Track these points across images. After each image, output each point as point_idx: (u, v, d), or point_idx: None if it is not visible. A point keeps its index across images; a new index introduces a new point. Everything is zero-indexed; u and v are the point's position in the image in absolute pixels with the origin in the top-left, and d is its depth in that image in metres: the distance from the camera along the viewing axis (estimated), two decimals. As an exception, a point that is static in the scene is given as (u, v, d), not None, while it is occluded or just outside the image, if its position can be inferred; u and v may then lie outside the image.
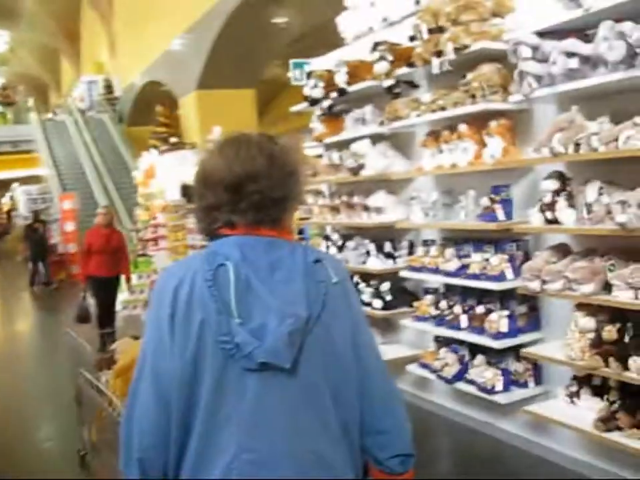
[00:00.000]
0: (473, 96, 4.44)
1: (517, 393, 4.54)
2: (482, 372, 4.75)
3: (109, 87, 26.91)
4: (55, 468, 5.13)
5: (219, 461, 1.48)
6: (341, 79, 5.64)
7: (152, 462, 1.53)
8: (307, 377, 1.54)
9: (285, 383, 1.52)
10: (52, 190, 20.84)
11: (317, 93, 5.97)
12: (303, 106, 6.46)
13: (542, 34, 3.85)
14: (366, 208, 5.82)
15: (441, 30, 4.52)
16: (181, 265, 1.64)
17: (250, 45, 19.04)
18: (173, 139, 20.22)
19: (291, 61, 6.75)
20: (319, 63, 6.58)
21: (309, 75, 6.21)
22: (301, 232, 7.89)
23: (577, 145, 3.60)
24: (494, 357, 4.75)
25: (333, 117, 6.09)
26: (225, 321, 1.48)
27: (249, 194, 1.60)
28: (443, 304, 5.11)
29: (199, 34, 19.43)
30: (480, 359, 4.84)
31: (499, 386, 4.56)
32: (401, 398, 1.74)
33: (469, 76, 4.48)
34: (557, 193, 3.88)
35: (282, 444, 1.50)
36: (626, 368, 3.44)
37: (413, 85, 5.33)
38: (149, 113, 24.91)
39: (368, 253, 5.83)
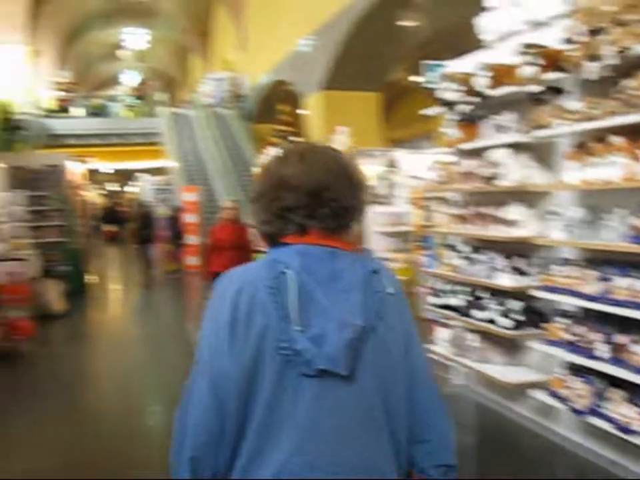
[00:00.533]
0: (632, 105, 4.01)
1: (659, 436, 4.09)
2: (619, 408, 4.31)
3: (236, 85, 27.36)
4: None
5: (271, 463, 1.51)
6: (481, 83, 5.31)
7: (204, 461, 1.55)
8: (362, 384, 1.57)
9: (340, 390, 1.55)
10: (175, 182, 21.40)
11: (453, 96, 5.67)
12: (435, 110, 6.17)
13: None
14: (497, 219, 5.47)
15: (599, 31, 4.12)
16: (241, 272, 1.66)
17: (377, 48, 18.88)
18: (294, 138, 20.31)
19: (424, 63, 6.47)
20: (454, 66, 6.26)
21: (444, 77, 5.91)
22: (424, 240, 7.56)
23: None
24: (634, 392, 4.30)
25: (469, 122, 5.76)
26: (286, 327, 1.52)
27: (325, 201, 1.64)
28: (579, 329, 4.69)
29: (327, 35, 19.41)
30: (617, 393, 4.39)
31: (638, 426, 4.12)
32: (446, 409, 1.74)
33: (629, 82, 4.06)
34: None
35: (334, 449, 1.53)
36: None
37: (558, 92, 4.93)
38: (272, 112, 25.28)
39: (497, 267, 5.46)
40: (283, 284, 1.55)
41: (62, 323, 10.95)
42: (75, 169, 14.50)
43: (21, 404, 6.77)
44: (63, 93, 28.68)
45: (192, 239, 16.05)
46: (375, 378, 1.59)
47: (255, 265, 1.66)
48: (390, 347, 1.63)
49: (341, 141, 15.21)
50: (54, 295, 11.04)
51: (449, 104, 5.79)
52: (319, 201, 1.64)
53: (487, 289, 5.58)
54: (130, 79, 31.61)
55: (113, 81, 40.06)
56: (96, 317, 11.94)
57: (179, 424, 1.59)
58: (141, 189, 26.38)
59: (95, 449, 5.44)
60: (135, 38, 34.65)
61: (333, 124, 19.85)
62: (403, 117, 26.29)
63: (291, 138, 20.18)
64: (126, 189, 37.69)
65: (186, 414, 1.57)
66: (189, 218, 16.11)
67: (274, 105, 25.41)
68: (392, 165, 11.23)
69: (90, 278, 14.62)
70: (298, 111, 22.28)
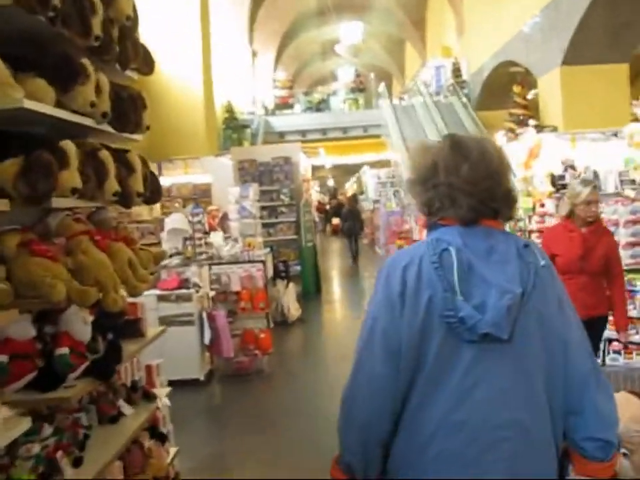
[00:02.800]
0: None
1: None
2: None
3: (457, 71, 25.37)
4: None
5: (431, 420, 1.61)
6: None
7: (374, 428, 1.67)
8: (520, 349, 1.63)
9: (499, 354, 1.62)
10: (402, 174, 19.73)
11: None
12: None
13: None
14: None
15: None
16: (407, 250, 1.79)
17: (627, 13, 16.17)
18: (532, 121, 17.80)
19: None
20: None
21: None
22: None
23: None
24: None
25: None
26: (450, 298, 1.62)
27: (484, 188, 1.73)
28: None
29: (564, 6, 17.07)
30: None
31: None
32: (607, 384, 1.72)
33: None
34: None
35: (488, 409, 1.59)
36: None
37: None
38: (499, 96, 23.03)
39: None
40: (446, 259, 1.66)
41: (299, 331, 9.52)
42: (305, 162, 13.22)
43: (258, 424, 5.65)
44: (282, 91, 28.38)
45: (427, 235, 14.25)
46: (532, 342, 1.65)
47: (419, 244, 1.76)
48: (545, 315, 1.68)
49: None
50: (290, 299, 9.65)
51: None
52: (482, 189, 1.72)
53: None
54: (346, 74, 30.46)
55: (327, 78, 39.53)
56: (333, 322, 10.41)
57: (349, 395, 1.71)
58: (364, 183, 25.14)
59: None
60: (349, 33, 33.71)
61: (575, 103, 17.32)
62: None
63: (530, 122, 17.69)
64: (347, 184, 36.99)
65: (356, 383, 1.70)
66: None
67: (501, 90, 23.19)
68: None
69: (322, 277, 13.28)
70: (532, 92, 19.77)
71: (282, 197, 12.03)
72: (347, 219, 19.75)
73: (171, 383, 4.45)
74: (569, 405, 1.67)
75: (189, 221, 7.39)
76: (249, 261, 7.58)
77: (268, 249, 9.98)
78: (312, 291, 11.92)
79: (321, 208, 28.46)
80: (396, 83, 40.45)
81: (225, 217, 10.85)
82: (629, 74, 17.91)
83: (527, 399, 1.62)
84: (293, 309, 9.66)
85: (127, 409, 3.17)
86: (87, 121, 2.66)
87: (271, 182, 12.03)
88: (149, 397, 3.42)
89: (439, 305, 1.62)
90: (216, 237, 8.79)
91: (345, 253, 20.32)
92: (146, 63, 3.27)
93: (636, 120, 8.24)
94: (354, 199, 22.74)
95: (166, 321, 6.70)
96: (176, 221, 7.24)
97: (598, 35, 16.72)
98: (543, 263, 1.71)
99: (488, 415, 1.59)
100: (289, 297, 9.63)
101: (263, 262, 7.54)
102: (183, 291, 6.77)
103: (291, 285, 9.88)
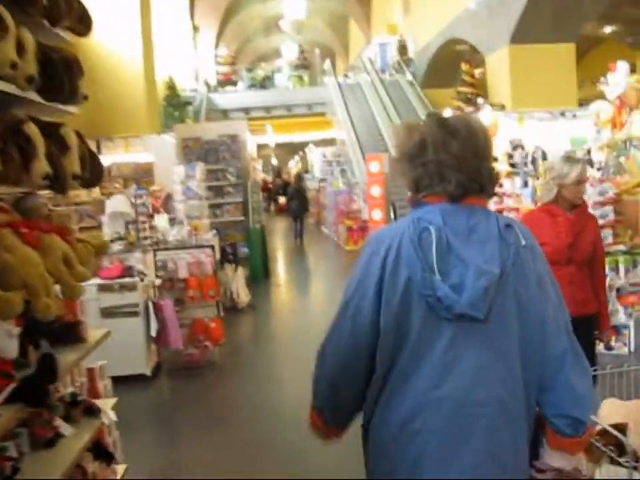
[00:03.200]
0: None
1: None
2: None
3: (402, 48, 25.04)
4: None
5: (410, 396, 1.68)
6: None
7: (339, 393, 1.82)
8: (497, 328, 1.68)
9: (477, 333, 1.66)
10: (349, 153, 19.34)
11: None
12: None
13: None
14: None
15: None
16: (391, 228, 1.83)
17: None
18: (480, 100, 17.63)
19: None
20: None
21: None
22: None
23: None
24: None
25: None
26: (429, 277, 1.64)
27: (472, 165, 1.75)
28: None
29: None
30: None
31: None
32: (583, 363, 1.76)
33: None
34: None
35: (468, 386, 1.65)
36: None
37: None
38: (445, 74, 22.84)
39: None
40: (426, 239, 1.68)
41: (250, 319, 9.07)
42: (251, 140, 12.69)
43: (213, 423, 5.20)
44: (225, 68, 27.59)
45: (377, 215, 13.87)
46: (508, 321, 1.69)
47: (401, 222, 1.78)
48: (523, 295, 1.70)
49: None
50: (239, 284, 9.17)
51: None
52: (470, 165, 1.74)
53: None
54: (289, 51, 29.79)
55: (271, 55, 38.71)
56: (285, 309, 9.98)
57: (321, 356, 1.83)
58: (310, 161, 24.69)
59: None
60: (293, 8, 33.00)
61: (522, 81, 17.19)
62: (589, 74, 22.84)
63: (478, 100, 17.51)
64: (291, 162, 36.42)
65: (327, 347, 1.82)
66: (374, 190, 13.88)
67: (445, 67, 22.99)
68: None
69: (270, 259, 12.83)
70: (478, 71, 19.60)
71: (228, 176, 11.49)
72: (293, 198, 19.30)
73: (115, 380, 4.04)
74: (543, 381, 1.71)
75: (131, 203, 6.81)
76: (197, 246, 7.07)
77: (214, 231, 9.47)
78: (260, 275, 11.45)
79: (264, 187, 27.99)
80: (340, 61, 39.94)
81: (168, 198, 10.26)
82: (574, 54, 17.88)
83: (504, 376, 1.67)
84: (243, 295, 9.19)
85: (66, 428, 2.68)
86: (9, 88, 2.15)
87: (216, 161, 11.46)
88: (93, 412, 2.94)
89: (418, 284, 1.65)
90: (161, 220, 8.24)
91: (290, 233, 19.91)
92: (81, 21, 2.75)
93: (601, 98, 8.02)
94: (299, 177, 22.41)
95: (108, 313, 6.18)
96: (117, 203, 6.65)
97: (546, 14, 16.57)
98: (524, 242, 1.73)
99: (467, 392, 1.64)
100: (238, 281, 9.16)
101: (212, 247, 7.03)
102: (127, 279, 6.22)
103: (240, 269, 9.39)
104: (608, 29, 22.37)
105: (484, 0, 18.23)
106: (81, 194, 14.10)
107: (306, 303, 10.34)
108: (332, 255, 15.14)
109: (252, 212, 11.32)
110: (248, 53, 39.61)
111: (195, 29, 27.88)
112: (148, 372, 6.27)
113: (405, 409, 1.67)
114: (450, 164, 1.73)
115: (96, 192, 14.74)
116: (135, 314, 6.23)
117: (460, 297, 1.62)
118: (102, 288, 6.18)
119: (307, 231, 20.25)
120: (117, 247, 6.59)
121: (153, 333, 6.24)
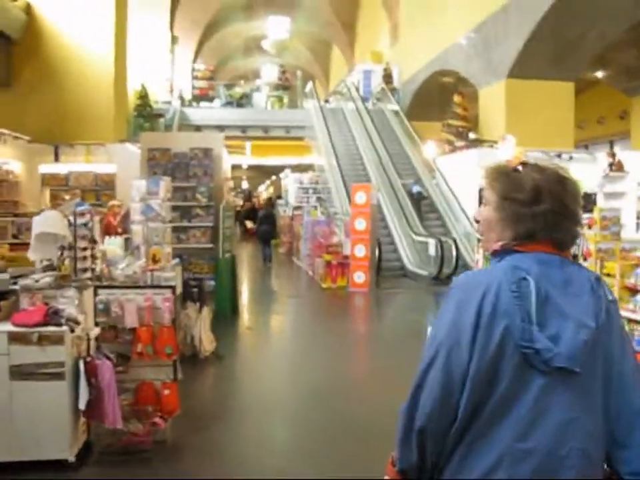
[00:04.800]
0: None
1: None
2: None
3: (388, 77, 23.72)
4: None
5: (495, 446, 1.55)
6: None
7: (428, 446, 1.63)
8: (588, 381, 1.58)
9: (567, 385, 1.56)
10: (328, 180, 17.71)
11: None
12: None
13: None
14: None
15: None
16: (485, 274, 1.69)
17: (578, 31, 15.05)
18: (472, 135, 16.26)
19: None
20: None
21: None
22: None
23: None
24: None
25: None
26: (527, 328, 1.55)
27: (571, 218, 1.69)
28: None
29: (515, 16, 15.85)
30: None
31: None
32: None
33: None
34: None
35: (556, 439, 1.54)
36: None
37: None
38: (430, 106, 21.60)
39: None
40: (525, 288, 1.58)
41: (214, 375, 7.17)
42: (227, 157, 10.95)
43: None
44: (202, 82, 25.95)
45: (361, 251, 12.18)
46: (598, 375, 1.61)
47: (496, 269, 1.66)
48: (612, 350, 1.63)
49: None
50: (203, 327, 7.33)
51: None
52: (569, 216, 1.68)
53: None
54: (270, 72, 28.21)
55: (249, 76, 37.19)
56: (258, 360, 8.04)
57: (410, 404, 1.65)
58: (284, 187, 23.06)
59: None
60: (276, 28, 31.55)
61: (518, 117, 15.93)
62: (586, 115, 21.83)
63: (470, 135, 16.14)
64: (262, 187, 34.66)
65: (418, 398, 1.63)
66: (359, 224, 12.20)
67: (431, 100, 21.76)
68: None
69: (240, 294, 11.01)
70: (469, 104, 18.29)
71: (198, 196, 9.71)
72: (262, 223, 18.03)
73: (23, 467, 3.02)
74: (617, 437, 1.62)
75: (69, 222, 4.98)
76: (153, 286, 5.25)
77: (177, 259, 7.66)
78: (228, 313, 9.63)
79: (240, 211, 26.64)
80: (320, 88, 38.69)
81: (127, 216, 8.44)
82: (573, 93, 16.80)
83: (591, 430, 1.58)
84: (207, 342, 7.36)
85: None
86: None
87: (186, 177, 9.68)
88: None
89: (516, 334, 1.56)
90: (113, 245, 6.42)
91: (259, 261, 18.17)
92: None
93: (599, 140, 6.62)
94: (271, 202, 21.09)
95: (21, 373, 4.36)
96: (48, 221, 4.78)
97: (547, 50, 15.53)
98: (610, 297, 1.68)
99: (555, 444, 1.54)
100: (202, 325, 7.33)
101: (173, 288, 5.22)
102: (51, 328, 4.37)
103: (205, 309, 7.55)
104: (600, 74, 21.35)
105: (485, 30, 16.99)
106: (27, 203, 12.19)
107: (283, 351, 8.52)
108: (307, 293, 13.34)
109: (222, 239, 9.52)
110: (226, 71, 38.08)
111: (174, 39, 26.23)
112: (71, 457, 4.41)
113: (490, 459, 1.55)
114: (564, 213, 1.67)
115: (45, 202, 12.84)
116: (59, 376, 4.38)
117: (558, 349, 1.53)
118: (14, 338, 4.34)
119: (278, 262, 18.68)
120: (43, 280, 4.74)
121: (82, 406, 4.41)
